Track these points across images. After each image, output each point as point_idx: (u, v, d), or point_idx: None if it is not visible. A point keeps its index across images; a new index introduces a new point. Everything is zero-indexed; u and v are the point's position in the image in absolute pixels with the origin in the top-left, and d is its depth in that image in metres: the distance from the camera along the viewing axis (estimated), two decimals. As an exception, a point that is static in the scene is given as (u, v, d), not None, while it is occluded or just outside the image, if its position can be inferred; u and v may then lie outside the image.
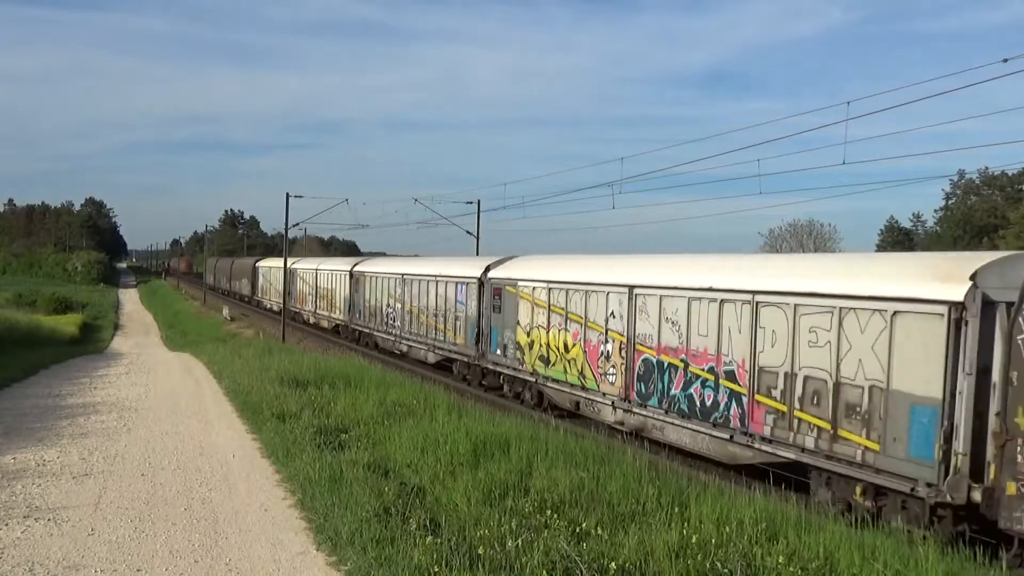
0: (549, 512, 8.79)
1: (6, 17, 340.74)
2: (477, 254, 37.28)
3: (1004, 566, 8.40)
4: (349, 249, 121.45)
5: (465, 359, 24.56)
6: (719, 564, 7.39)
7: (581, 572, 7.18)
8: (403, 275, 30.30)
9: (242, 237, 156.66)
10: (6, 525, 9.25)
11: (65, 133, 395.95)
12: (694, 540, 7.87)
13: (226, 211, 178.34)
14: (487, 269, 23.36)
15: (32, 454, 12.76)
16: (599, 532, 8.21)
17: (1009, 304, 9.47)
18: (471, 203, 42.66)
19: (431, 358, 27.37)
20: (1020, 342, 9.13)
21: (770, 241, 72.66)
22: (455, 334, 25.21)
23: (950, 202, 78.20)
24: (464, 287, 24.66)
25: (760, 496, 9.63)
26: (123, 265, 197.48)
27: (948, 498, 9.75)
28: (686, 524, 8.42)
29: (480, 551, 7.62)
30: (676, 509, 9.00)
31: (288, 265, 47.06)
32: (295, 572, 8.03)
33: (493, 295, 22.54)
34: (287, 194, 41.64)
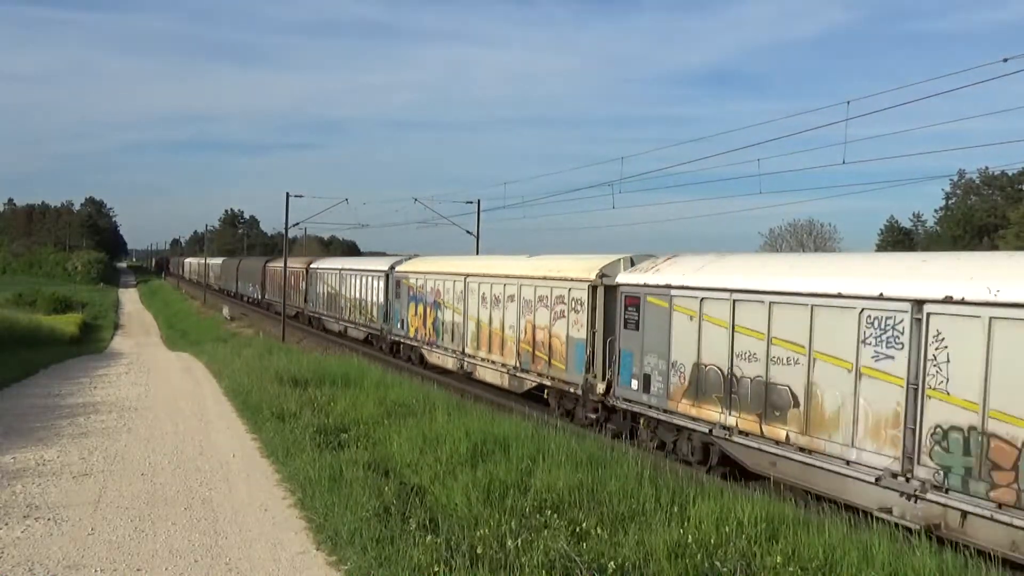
0: (549, 512, 8.80)
1: (6, 17, 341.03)
2: (477, 254, 37.22)
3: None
4: (349, 249, 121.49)
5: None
6: (718, 564, 7.40)
7: (580, 572, 7.19)
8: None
9: (242, 237, 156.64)
10: (6, 525, 9.26)
11: (65, 133, 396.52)
12: (693, 540, 7.88)
13: (226, 211, 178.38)
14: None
15: (32, 454, 12.76)
16: (599, 532, 8.21)
17: None
18: (471, 203, 42.70)
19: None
20: None
21: (770, 241, 72.74)
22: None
23: (950, 202, 78.19)
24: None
25: (759, 496, 9.64)
26: (123, 265, 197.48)
27: None
28: (685, 524, 8.43)
29: (480, 551, 7.63)
30: (675, 509, 9.00)
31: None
32: (295, 572, 8.04)
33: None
34: (287, 194, 41.70)
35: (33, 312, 57.42)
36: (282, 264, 49.52)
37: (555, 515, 8.68)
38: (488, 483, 9.79)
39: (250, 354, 26.08)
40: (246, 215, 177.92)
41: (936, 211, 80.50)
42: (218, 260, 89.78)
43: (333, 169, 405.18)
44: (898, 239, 78.58)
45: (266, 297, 57.85)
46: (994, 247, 58.87)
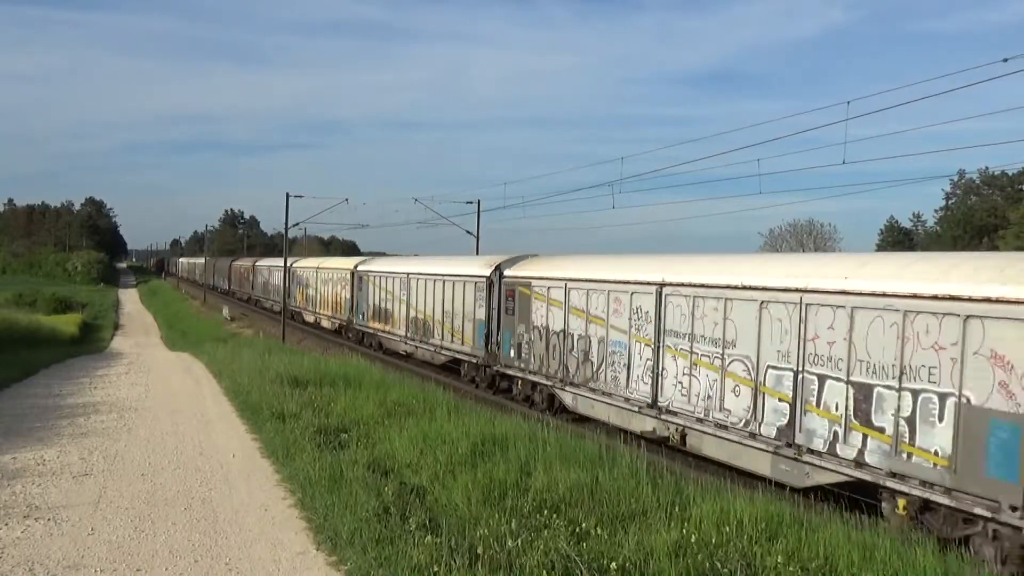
0: (549, 512, 8.79)
1: (6, 17, 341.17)
2: (477, 254, 37.26)
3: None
4: (349, 249, 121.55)
5: None
6: (719, 564, 7.40)
7: (581, 572, 7.18)
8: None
9: (242, 237, 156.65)
10: (6, 525, 9.25)
11: (65, 133, 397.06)
12: (694, 540, 7.87)
13: (226, 211, 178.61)
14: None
15: (32, 454, 12.75)
16: (599, 532, 8.21)
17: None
18: (471, 203, 42.73)
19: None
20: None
21: (770, 241, 72.72)
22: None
23: (950, 202, 78.19)
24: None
25: (760, 496, 9.63)
26: (123, 265, 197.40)
27: None
28: (686, 524, 8.42)
29: (480, 551, 7.62)
30: (676, 509, 9.00)
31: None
32: (295, 572, 8.04)
33: None
34: (287, 194, 41.75)
35: (33, 312, 57.40)
36: (241, 263, 76.39)
37: (555, 515, 8.68)
38: (488, 483, 9.79)
39: (250, 354, 26.06)
40: (246, 215, 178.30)
41: (936, 211, 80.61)
42: (201, 260, 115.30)
43: (333, 169, 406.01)
44: (898, 239, 78.58)
45: (231, 288, 79.57)
46: (994, 247, 58.85)
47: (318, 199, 58.71)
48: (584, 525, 8.41)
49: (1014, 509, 9.15)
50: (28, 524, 9.31)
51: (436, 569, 7.29)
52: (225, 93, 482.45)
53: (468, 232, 42.57)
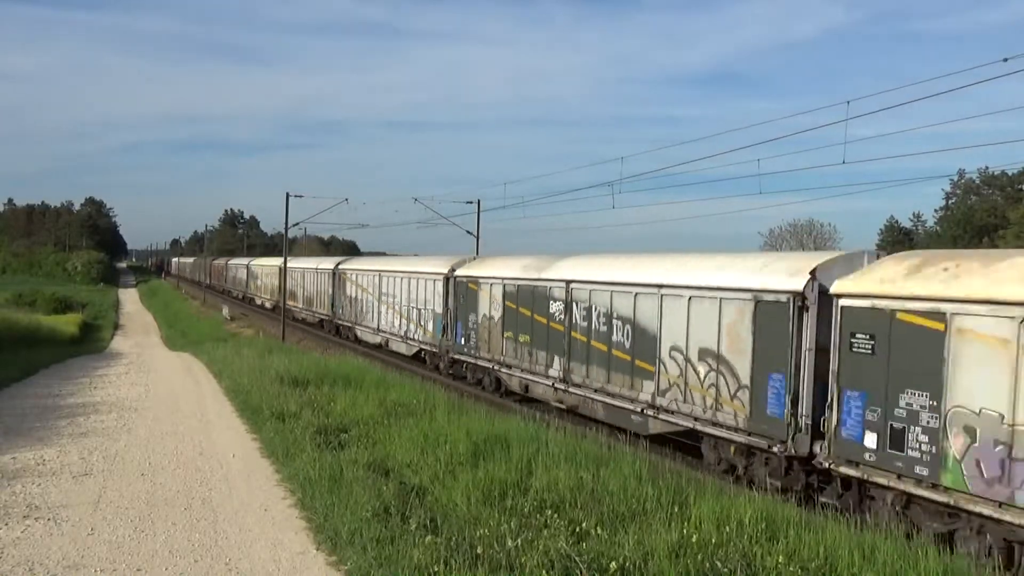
0: (549, 512, 8.79)
1: (6, 17, 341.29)
2: (477, 254, 37.28)
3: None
4: (349, 249, 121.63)
5: None
6: (719, 564, 7.39)
7: (580, 572, 7.18)
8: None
9: (242, 237, 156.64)
10: (6, 525, 9.25)
11: (65, 133, 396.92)
12: (694, 540, 7.86)
13: (226, 211, 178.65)
14: None
15: (32, 454, 12.75)
16: (599, 532, 8.20)
17: None
18: (471, 203, 42.71)
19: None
20: None
21: (770, 241, 72.70)
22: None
23: (950, 202, 78.12)
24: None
25: (760, 496, 9.63)
26: (123, 265, 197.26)
27: None
28: (686, 524, 8.41)
29: (480, 550, 7.62)
30: (676, 509, 8.99)
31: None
32: (295, 572, 8.03)
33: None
34: (287, 194, 41.70)
35: (33, 312, 57.28)
36: (217, 262, 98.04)
37: (555, 515, 8.67)
38: (488, 483, 9.78)
39: (250, 354, 26.05)
40: (246, 215, 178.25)
41: (936, 211, 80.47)
42: (191, 260, 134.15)
43: (333, 169, 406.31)
44: (898, 239, 78.50)
45: (210, 281, 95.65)
46: (994, 247, 58.83)
47: (318, 199, 58.63)
48: (584, 525, 8.40)
49: (454, 351, 25.86)
50: (28, 524, 9.31)
51: (436, 569, 7.29)
52: (225, 93, 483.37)
53: (468, 232, 42.57)
